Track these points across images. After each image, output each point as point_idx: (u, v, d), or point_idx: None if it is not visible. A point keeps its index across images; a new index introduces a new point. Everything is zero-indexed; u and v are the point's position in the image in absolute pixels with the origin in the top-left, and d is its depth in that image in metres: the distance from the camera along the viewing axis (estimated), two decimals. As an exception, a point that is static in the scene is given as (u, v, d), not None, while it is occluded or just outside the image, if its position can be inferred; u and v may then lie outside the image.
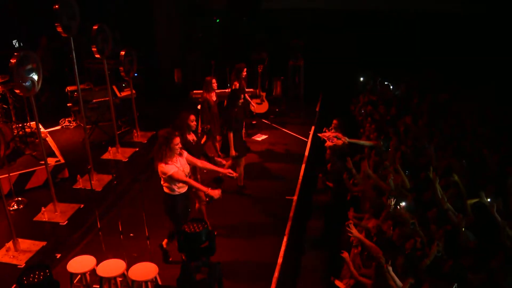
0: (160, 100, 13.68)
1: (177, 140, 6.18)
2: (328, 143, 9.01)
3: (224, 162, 7.41)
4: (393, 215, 6.02)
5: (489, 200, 5.71)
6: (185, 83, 14.64)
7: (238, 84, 10.28)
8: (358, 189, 7.60)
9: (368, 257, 5.85)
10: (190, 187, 6.51)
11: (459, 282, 4.76)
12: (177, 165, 6.27)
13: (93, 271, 5.82)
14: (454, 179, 6.63)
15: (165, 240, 7.07)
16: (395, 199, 6.23)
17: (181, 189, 6.39)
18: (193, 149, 7.02)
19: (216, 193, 6.31)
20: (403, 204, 6.22)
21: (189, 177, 6.47)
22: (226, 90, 11.35)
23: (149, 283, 5.75)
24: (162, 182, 6.40)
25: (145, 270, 5.77)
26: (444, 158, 7.70)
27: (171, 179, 6.21)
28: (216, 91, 9.80)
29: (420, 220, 5.88)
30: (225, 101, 9.30)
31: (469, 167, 7.42)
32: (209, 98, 9.45)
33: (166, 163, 6.16)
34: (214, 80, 9.50)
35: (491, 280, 4.96)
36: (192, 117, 7.22)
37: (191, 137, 7.31)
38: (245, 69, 10.33)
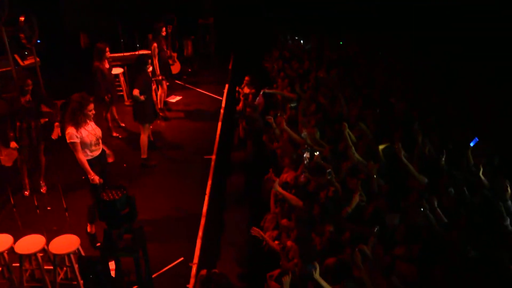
0: (67, 67, 13.14)
1: (91, 106, 6.11)
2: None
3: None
4: (309, 167, 6.22)
5: (396, 146, 5.98)
6: (92, 48, 14.07)
7: (156, 45, 9.82)
8: (277, 145, 7.74)
9: (289, 209, 6.02)
10: (103, 150, 6.40)
11: (378, 225, 5.03)
12: (89, 129, 6.13)
13: (11, 249, 5.63)
14: (360, 127, 6.93)
15: (88, 225, 6.78)
16: (309, 152, 6.43)
17: (95, 152, 6.24)
18: (26, 112, 7.05)
19: (96, 179, 6.16)
20: (317, 155, 6.42)
21: (99, 141, 6.30)
22: (136, 53, 11.09)
23: (71, 255, 5.64)
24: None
25: (66, 243, 5.65)
26: (355, 107, 7.97)
27: (74, 145, 6.01)
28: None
29: (335, 171, 6.09)
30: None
31: (379, 115, 7.74)
32: (102, 67, 8.92)
33: (77, 129, 6.00)
34: (107, 48, 9.00)
35: (405, 218, 5.27)
36: (29, 81, 7.21)
37: (25, 99, 7.19)
38: (164, 28, 9.94)
